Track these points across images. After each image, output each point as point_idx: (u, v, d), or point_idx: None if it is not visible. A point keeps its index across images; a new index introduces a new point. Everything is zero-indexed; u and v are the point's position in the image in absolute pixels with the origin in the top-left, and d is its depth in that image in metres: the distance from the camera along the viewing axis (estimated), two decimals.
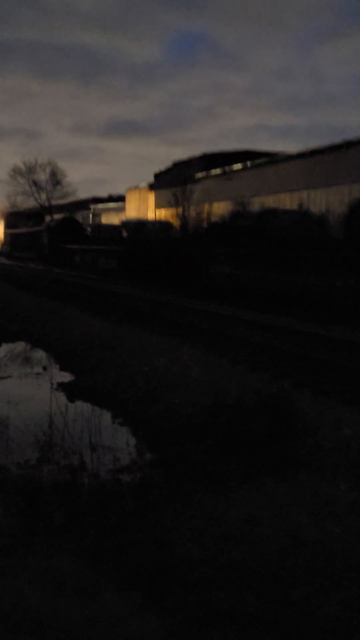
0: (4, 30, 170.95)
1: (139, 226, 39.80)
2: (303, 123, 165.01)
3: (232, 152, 39.76)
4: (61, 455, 6.99)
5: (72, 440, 7.42)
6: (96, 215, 61.22)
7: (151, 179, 46.51)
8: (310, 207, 28.36)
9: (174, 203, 37.39)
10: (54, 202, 74.77)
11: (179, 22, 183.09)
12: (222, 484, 5.80)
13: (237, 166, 35.32)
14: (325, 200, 27.59)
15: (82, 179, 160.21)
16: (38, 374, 12.20)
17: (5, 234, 74.49)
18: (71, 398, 10.04)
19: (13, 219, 74.27)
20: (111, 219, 55.30)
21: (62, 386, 10.84)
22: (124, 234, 39.82)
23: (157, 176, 45.64)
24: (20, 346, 15.52)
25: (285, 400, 7.20)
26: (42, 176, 78.56)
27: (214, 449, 6.51)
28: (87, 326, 15.57)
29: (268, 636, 3.64)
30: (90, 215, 61.64)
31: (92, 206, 62.85)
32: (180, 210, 36.71)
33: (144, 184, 48.07)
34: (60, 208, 70.12)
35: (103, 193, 66.53)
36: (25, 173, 78.99)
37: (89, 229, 55.23)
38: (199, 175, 38.45)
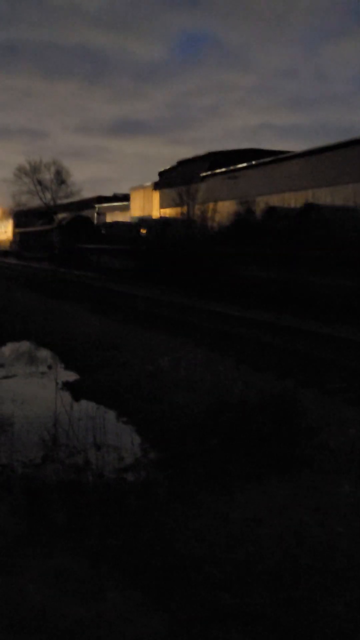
0: (9, 30, 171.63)
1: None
2: (308, 122, 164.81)
3: (237, 150, 39.68)
4: (66, 454, 7.00)
5: (76, 439, 7.43)
6: (101, 214, 61.20)
7: (156, 178, 46.42)
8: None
9: (178, 202, 37.30)
10: (58, 202, 74.86)
11: (184, 21, 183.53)
12: (226, 483, 5.79)
13: (242, 165, 35.27)
14: (331, 199, 27.50)
15: (86, 179, 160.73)
16: (43, 372, 12.21)
17: (15, 233, 73.31)
18: (76, 397, 10.04)
19: (23, 217, 73.08)
20: (115, 218, 55.21)
21: (66, 385, 10.85)
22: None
23: (162, 175, 45.56)
24: (25, 345, 15.54)
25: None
26: (47, 175, 78.88)
27: (218, 448, 6.50)
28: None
29: (272, 636, 3.63)
30: (95, 215, 61.65)
31: (96, 205, 62.87)
32: (185, 209, 36.61)
33: (148, 183, 47.98)
34: (65, 207, 70.12)
35: (108, 192, 66.62)
36: (30, 172, 79.32)
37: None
38: (204, 174, 38.39)
